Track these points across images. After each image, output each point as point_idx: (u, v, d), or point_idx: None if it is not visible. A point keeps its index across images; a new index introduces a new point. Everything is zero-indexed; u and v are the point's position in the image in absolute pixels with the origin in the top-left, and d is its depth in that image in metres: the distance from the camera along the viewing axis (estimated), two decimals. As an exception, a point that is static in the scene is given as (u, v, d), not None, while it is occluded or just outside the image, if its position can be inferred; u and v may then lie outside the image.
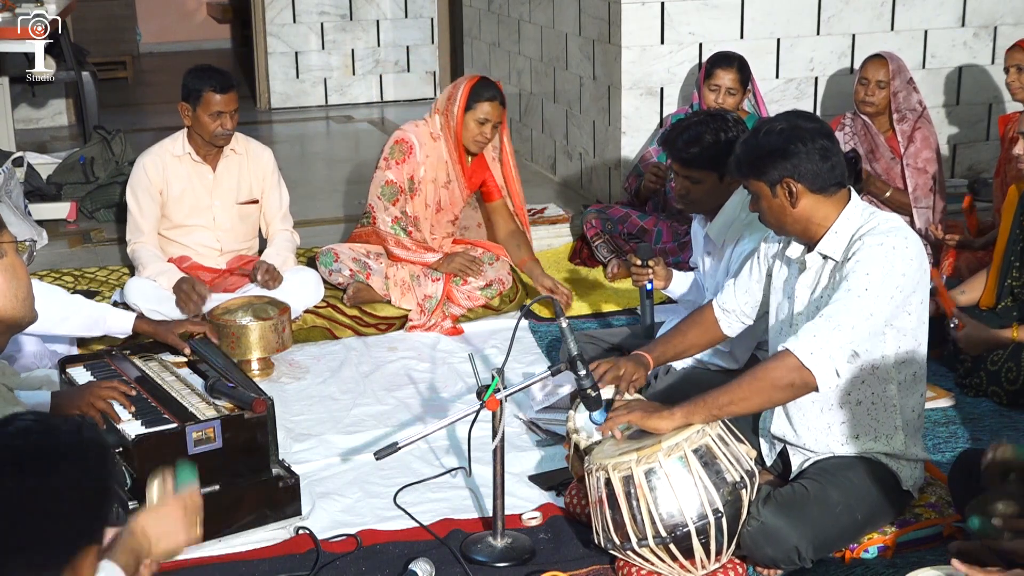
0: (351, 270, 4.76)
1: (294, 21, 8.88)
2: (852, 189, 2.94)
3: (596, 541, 2.86)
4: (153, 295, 4.55)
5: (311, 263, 4.98)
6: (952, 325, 3.92)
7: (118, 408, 3.15)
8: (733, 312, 3.23)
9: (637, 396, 3.09)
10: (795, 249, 2.98)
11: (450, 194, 4.83)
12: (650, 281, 3.86)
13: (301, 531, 3.12)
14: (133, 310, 4.53)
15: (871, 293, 2.75)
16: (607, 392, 3.05)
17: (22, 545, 1.60)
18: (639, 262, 3.87)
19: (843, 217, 2.89)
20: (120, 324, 3.79)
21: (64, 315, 3.74)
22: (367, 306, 4.74)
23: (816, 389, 2.74)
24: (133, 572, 2.13)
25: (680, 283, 3.97)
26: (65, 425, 1.67)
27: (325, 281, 4.82)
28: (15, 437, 1.64)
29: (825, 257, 2.91)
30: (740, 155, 2.94)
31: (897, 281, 2.78)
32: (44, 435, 1.64)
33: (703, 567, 2.78)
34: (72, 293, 4.58)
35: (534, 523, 3.17)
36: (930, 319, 3.02)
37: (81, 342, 4.12)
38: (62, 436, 1.65)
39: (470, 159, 4.86)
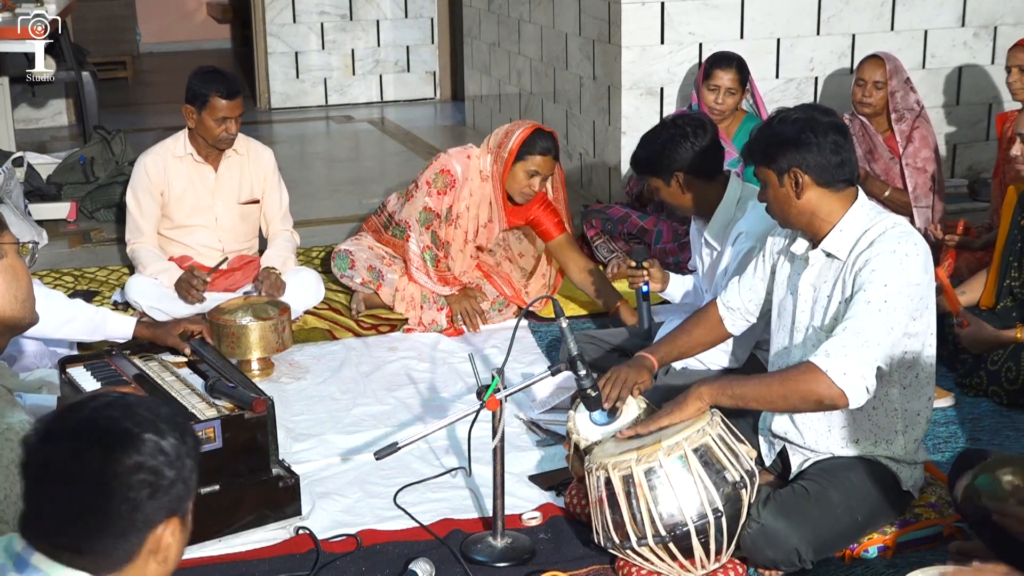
0: (363, 279, 4.71)
1: (294, 21, 8.88)
2: (861, 189, 2.94)
3: (596, 541, 2.86)
4: (154, 293, 4.56)
5: (324, 263, 4.93)
6: (957, 323, 3.93)
7: None
8: (737, 310, 3.22)
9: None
10: (800, 245, 2.98)
11: (488, 232, 4.69)
12: (646, 283, 3.86)
13: (301, 531, 3.12)
14: (134, 308, 4.56)
15: (890, 306, 2.74)
16: (631, 411, 3.02)
17: (108, 516, 1.60)
18: (634, 264, 3.87)
19: (849, 216, 2.88)
20: (120, 329, 3.78)
21: (64, 320, 3.73)
22: (369, 309, 4.75)
23: (847, 406, 2.74)
24: None
25: (678, 286, 3.97)
26: (144, 403, 1.69)
27: (332, 279, 4.82)
28: (98, 411, 1.64)
29: (829, 255, 2.91)
30: (753, 142, 2.94)
31: (911, 291, 2.78)
32: (125, 411, 1.65)
33: (703, 566, 2.78)
34: (71, 295, 4.60)
35: (534, 523, 3.17)
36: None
37: (81, 344, 4.12)
38: (142, 412, 1.66)
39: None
